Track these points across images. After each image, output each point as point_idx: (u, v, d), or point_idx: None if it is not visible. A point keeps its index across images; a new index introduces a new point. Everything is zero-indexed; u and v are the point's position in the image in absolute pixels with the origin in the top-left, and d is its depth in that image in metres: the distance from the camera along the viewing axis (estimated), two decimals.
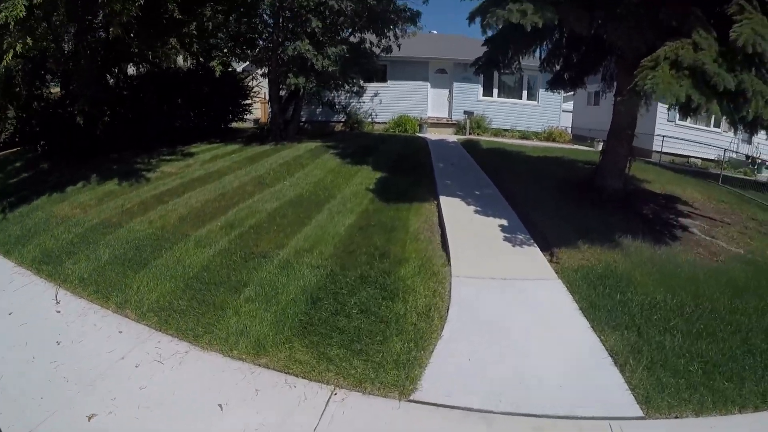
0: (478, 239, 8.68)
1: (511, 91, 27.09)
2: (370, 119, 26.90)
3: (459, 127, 26.59)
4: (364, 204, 11.97)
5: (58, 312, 7.94)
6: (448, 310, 6.59)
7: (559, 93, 19.64)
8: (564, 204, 11.72)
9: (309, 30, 17.89)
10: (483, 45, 11.90)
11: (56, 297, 8.34)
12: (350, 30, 20.20)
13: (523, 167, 16.54)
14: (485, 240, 8.72)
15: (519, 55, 11.86)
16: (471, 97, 26.53)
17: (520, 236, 8.87)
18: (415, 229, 9.68)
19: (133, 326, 7.34)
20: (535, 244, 8.59)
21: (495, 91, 26.75)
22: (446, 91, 27.12)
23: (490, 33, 10.82)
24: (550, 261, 8.04)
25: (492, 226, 9.42)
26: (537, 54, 13.18)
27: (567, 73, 13.67)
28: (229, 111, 24.04)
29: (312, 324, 6.58)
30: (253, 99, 25.41)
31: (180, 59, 25.68)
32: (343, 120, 26.05)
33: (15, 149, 24.82)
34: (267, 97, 27.60)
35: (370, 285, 7.33)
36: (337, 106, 24.46)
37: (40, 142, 18.98)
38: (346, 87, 21.89)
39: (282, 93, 20.88)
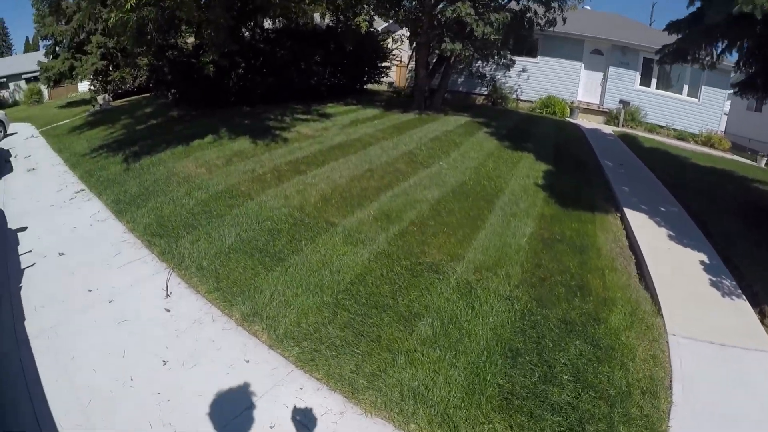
0: (681, 279, 7.02)
1: (670, 83, 22.78)
2: (515, 96, 23.83)
3: (611, 117, 22.79)
4: (539, 206, 9.43)
5: (168, 311, 5.91)
6: (671, 386, 4.92)
7: (743, 96, 15.68)
8: (761, 238, 8.87)
9: None
10: (666, 31, 10.15)
11: (167, 287, 6.31)
12: None
13: (697, 180, 13.28)
14: (689, 282, 7.04)
15: (714, 48, 9.97)
16: (627, 84, 22.81)
17: (726, 282, 7.01)
18: (608, 252, 7.63)
19: (264, 354, 5.14)
20: (743, 296, 6.79)
21: (653, 81, 22.67)
22: (600, 75, 23.44)
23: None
24: (762, 320, 6.29)
25: (692, 262, 7.58)
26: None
27: (763, 77, 10.38)
28: (365, 72, 22.08)
29: (515, 395, 4.59)
30: (391, 62, 22.90)
31: (317, 16, 23.79)
32: (486, 93, 23.54)
33: (147, 94, 23.99)
34: (406, 61, 25.19)
35: (578, 336, 5.38)
36: (481, 79, 21.46)
37: (171, 90, 17.59)
38: (497, 58, 18.77)
39: (429, 59, 18.05)
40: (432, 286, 6.19)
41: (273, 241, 7.17)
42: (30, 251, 7.64)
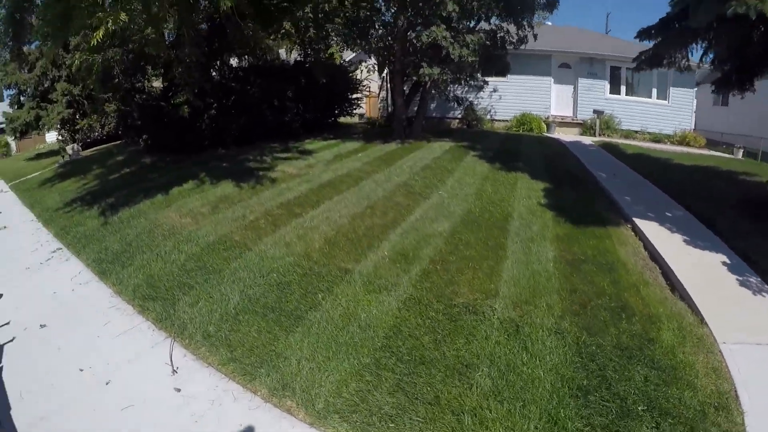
0: (711, 283, 6.88)
1: (639, 89, 23.52)
2: (489, 116, 23.88)
3: (586, 127, 23.01)
4: (550, 226, 8.99)
5: (178, 391, 5.10)
6: (737, 396, 4.68)
7: (720, 92, 15.63)
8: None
9: (445, 14, 14.43)
10: (638, 37, 10.46)
11: (171, 361, 5.36)
12: (485, 17, 16.96)
13: (688, 180, 13.27)
14: (720, 285, 6.91)
15: (689, 50, 10.28)
16: (597, 94, 23.31)
17: (752, 280, 6.92)
18: (634, 267, 7.41)
19: None
20: None
21: (623, 88, 23.37)
22: (570, 88, 23.89)
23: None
24: None
25: (715, 264, 7.47)
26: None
27: (738, 74, 10.65)
28: (337, 105, 21.48)
29: None
30: (362, 92, 22.45)
31: (282, 51, 23.30)
32: (459, 116, 23.65)
33: (117, 142, 23.08)
34: (377, 91, 24.76)
35: (638, 361, 5.02)
36: (458, 102, 21.14)
37: (143, 136, 16.78)
38: (470, 81, 18.44)
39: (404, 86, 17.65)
40: (475, 330, 5.57)
41: (285, 297, 6.39)
42: (7, 323, 6.78)
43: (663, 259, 7.53)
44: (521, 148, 16.86)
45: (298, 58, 20.85)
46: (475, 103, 23.57)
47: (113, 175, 15.21)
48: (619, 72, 23.00)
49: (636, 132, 22.76)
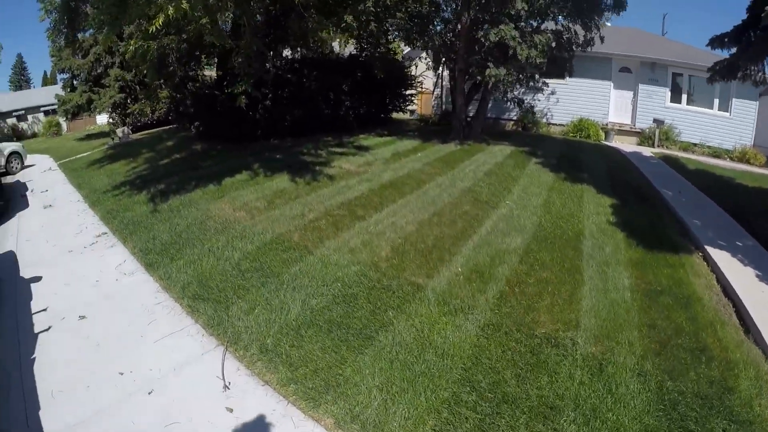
0: None
1: (700, 98, 20.99)
2: (545, 119, 22.38)
3: (643, 137, 21.26)
4: (622, 249, 8.04)
5: (230, 411, 4.40)
6: None
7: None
8: None
9: (513, 12, 13.72)
10: (710, 45, 9.74)
11: (223, 375, 4.75)
12: (553, 16, 15.93)
13: (755, 205, 11.78)
14: None
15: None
16: (657, 102, 21.21)
17: None
18: (709, 302, 6.61)
19: None
20: None
21: (684, 97, 21.09)
22: (630, 94, 21.90)
23: None
24: None
25: None
26: None
27: None
28: (390, 101, 20.77)
29: None
30: (416, 89, 21.65)
31: (336, 45, 22.69)
32: (515, 118, 22.26)
33: (167, 127, 22.76)
34: (432, 88, 23.93)
35: (717, 412, 4.40)
36: (518, 104, 20.06)
37: (195, 123, 16.27)
38: (532, 83, 17.41)
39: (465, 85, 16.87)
40: (559, 367, 4.83)
41: (352, 312, 5.64)
42: (44, 310, 6.31)
43: (737, 295, 6.79)
44: (583, 157, 15.73)
45: (354, 52, 19.99)
46: (532, 105, 22.24)
47: (164, 161, 14.77)
48: (681, 79, 21.09)
49: (695, 145, 20.85)
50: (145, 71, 13.32)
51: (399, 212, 8.94)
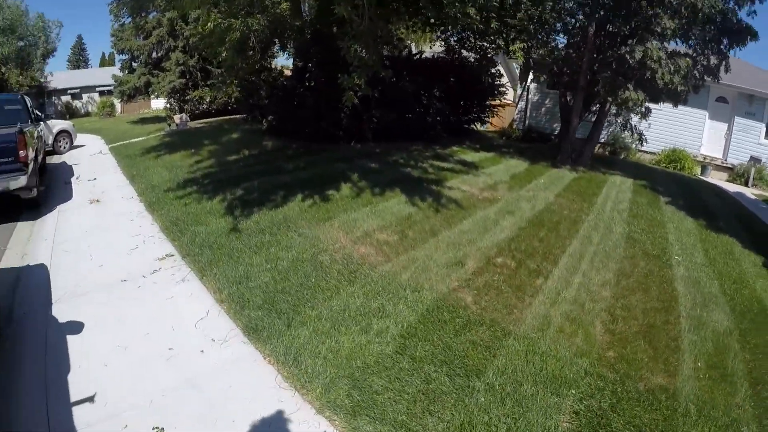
0: None
1: None
2: (634, 146, 19.14)
3: (735, 174, 18.56)
4: None
5: None
6: None
7: None
8: None
9: (659, 30, 11.15)
10: None
11: None
12: (696, 39, 12.77)
13: None
14: None
15: None
16: (752, 137, 18.71)
17: None
18: None
19: None
20: None
21: None
22: (724, 126, 19.33)
23: None
24: None
25: None
26: None
27: None
28: (475, 110, 17.44)
29: None
30: (501, 99, 18.54)
31: (427, 45, 19.65)
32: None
33: (226, 117, 19.96)
34: (516, 100, 20.83)
35: None
36: (634, 129, 16.86)
37: (267, 116, 13.21)
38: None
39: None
40: None
41: None
42: (91, 399, 3.54)
43: None
44: (702, 197, 12.84)
45: (439, 53, 16.88)
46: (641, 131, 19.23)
47: (232, 156, 11.87)
48: None
49: None
50: (217, 54, 10.51)
51: (577, 267, 6.11)
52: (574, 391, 3.72)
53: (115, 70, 24.48)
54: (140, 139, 15.86)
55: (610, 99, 12.36)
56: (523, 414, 3.41)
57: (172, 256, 6.09)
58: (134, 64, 21.19)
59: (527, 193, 9.44)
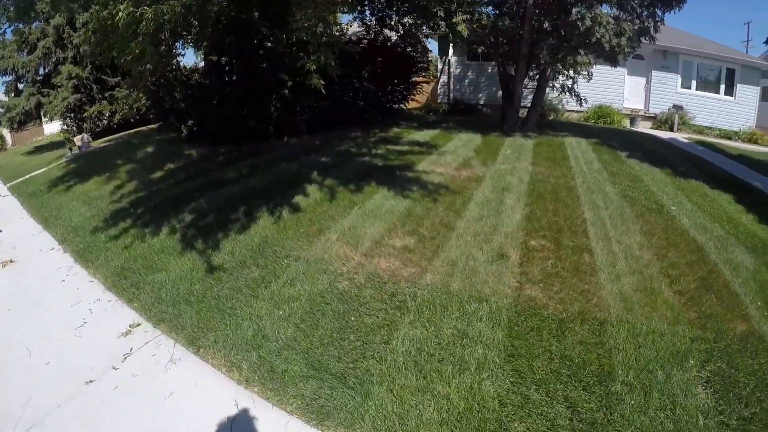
0: None
1: (708, 84, 20.13)
2: (561, 106, 19.08)
3: (658, 122, 19.36)
4: None
5: None
6: None
7: None
8: None
9: None
10: None
11: None
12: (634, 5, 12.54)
13: None
14: None
15: None
16: (669, 88, 19.68)
17: None
18: None
19: None
20: None
21: (693, 83, 19.82)
22: (643, 80, 20.04)
23: None
24: None
25: None
26: None
27: None
28: (400, 89, 15.95)
29: None
30: (424, 75, 17.35)
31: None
32: (526, 106, 17.89)
33: (131, 131, 17.46)
34: (437, 75, 19.73)
35: None
36: (569, 93, 16.28)
37: (187, 122, 11.15)
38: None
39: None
40: None
41: None
42: None
43: None
44: (650, 147, 12.53)
45: (360, 33, 15.30)
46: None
47: (156, 173, 9.89)
48: (691, 66, 19.78)
49: (707, 128, 19.37)
50: (127, 53, 8.41)
51: (608, 235, 5.63)
52: (692, 362, 3.47)
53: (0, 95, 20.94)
54: (41, 171, 13.21)
55: (559, 65, 12.14)
56: (672, 401, 3.10)
57: (139, 325, 4.36)
58: (20, 86, 17.75)
59: (504, 166, 8.51)
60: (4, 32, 12.56)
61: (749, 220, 6.67)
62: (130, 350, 4.03)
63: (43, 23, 15.83)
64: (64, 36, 16.09)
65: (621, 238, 5.49)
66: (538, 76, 13.21)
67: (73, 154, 14.46)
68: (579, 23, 10.76)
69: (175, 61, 10.14)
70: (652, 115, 19.80)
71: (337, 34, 7.10)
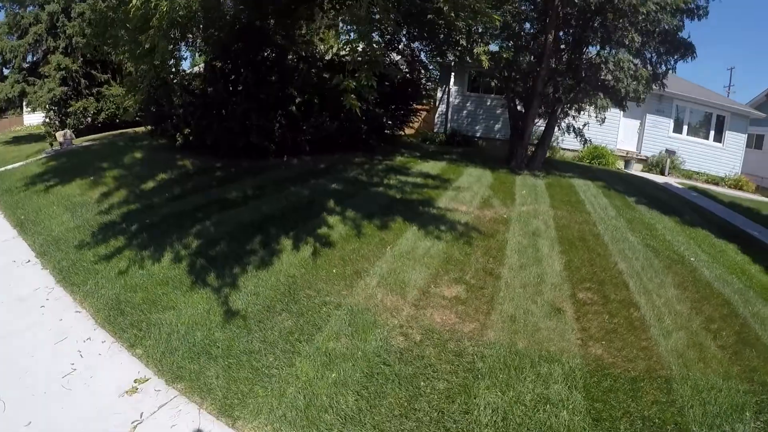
0: None
1: (697, 129, 20.42)
2: (556, 143, 18.76)
3: (649, 164, 19.36)
4: None
5: None
6: None
7: None
8: None
9: (627, 42, 10.56)
10: None
11: None
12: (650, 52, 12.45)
13: None
14: None
15: None
16: (662, 132, 19.74)
17: None
18: None
19: None
20: None
21: (684, 128, 20.04)
22: (637, 123, 20.05)
23: None
24: None
25: None
26: None
27: None
28: (404, 116, 15.08)
29: None
30: (425, 103, 16.82)
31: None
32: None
33: (115, 132, 16.35)
34: (436, 104, 19.17)
35: None
36: (574, 133, 15.91)
37: (184, 130, 10.20)
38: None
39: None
40: None
41: None
42: None
43: None
44: (650, 192, 12.21)
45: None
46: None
47: (148, 184, 9.00)
48: (683, 111, 19.97)
49: (696, 173, 19.55)
50: (146, 43, 7.46)
51: (647, 288, 5.30)
52: (748, 414, 3.38)
53: None
54: (18, 165, 12.05)
55: (575, 106, 12.34)
56: None
57: (147, 380, 3.52)
58: (5, 71, 16.43)
59: (525, 208, 7.97)
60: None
61: (758, 270, 6.52)
62: (141, 416, 3.19)
63: (38, 9, 14.73)
64: (57, 24, 15.02)
65: (659, 291, 5.21)
66: (548, 115, 12.77)
67: (54, 150, 13.35)
68: (603, 66, 10.66)
69: (176, 63, 9.23)
70: (644, 157, 19.74)
71: (378, 53, 6.27)
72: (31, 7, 14.34)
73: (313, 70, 10.64)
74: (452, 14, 7.42)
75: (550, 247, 6.12)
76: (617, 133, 19.81)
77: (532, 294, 4.81)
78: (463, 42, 10.52)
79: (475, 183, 9.56)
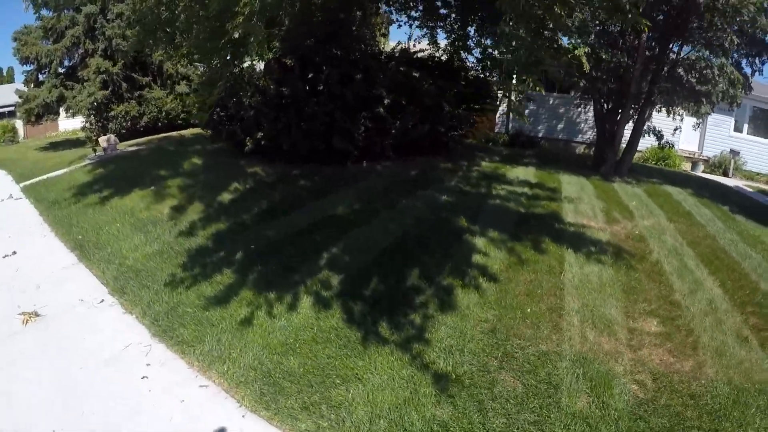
0: None
1: (758, 128, 18.89)
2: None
3: (711, 165, 18.28)
4: None
5: None
6: None
7: None
8: None
9: (727, 45, 9.70)
10: None
11: None
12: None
13: None
14: None
15: None
16: (723, 131, 18.44)
17: None
18: None
19: None
20: None
21: (745, 126, 18.68)
22: (699, 122, 18.08)
23: None
24: None
25: None
26: None
27: None
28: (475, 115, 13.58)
29: None
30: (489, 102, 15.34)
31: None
32: (587, 141, 17.12)
33: (159, 135, 15.19)
34: (498, 104, 17.62)
35: None
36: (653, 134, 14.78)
37: (256, 135, 8.92)
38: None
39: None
40: None
41: None
42: None
43: None
44: (733, 198, 11.18)
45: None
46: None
47: (224, 195, 7.93)
48: (745, 109, 18.46)
49: (757, 174, 18.23)
50: (236, 33, 6.15)
51: None
52: None
53: (18, 85, 18.37)
54: (61, 172, 10.88)
55: (673, 108, 12.18)
56: None
57: None
58: (42, 76, 15.46)
59: (646, 222, 7.15)
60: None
61: None
62: None
63: (74, 11, 13.68)
64: (95, 26, 14.02)
65: None
66: (636, 117, 11.76)
67: (98, 156, 12.27)
68: (707, 71, 10.20)
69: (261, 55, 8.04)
70: (705, 158, 18.59)
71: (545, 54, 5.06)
72: (66, 11, 13.32)
73: (402, 68, 9.39)
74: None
75: (697, 267, 5.52)
76: (680, 133, 18.66)
77: (715, 323, 4.31)
78: (564, 42, 9.28)
79: (582, 193, 8.64)
